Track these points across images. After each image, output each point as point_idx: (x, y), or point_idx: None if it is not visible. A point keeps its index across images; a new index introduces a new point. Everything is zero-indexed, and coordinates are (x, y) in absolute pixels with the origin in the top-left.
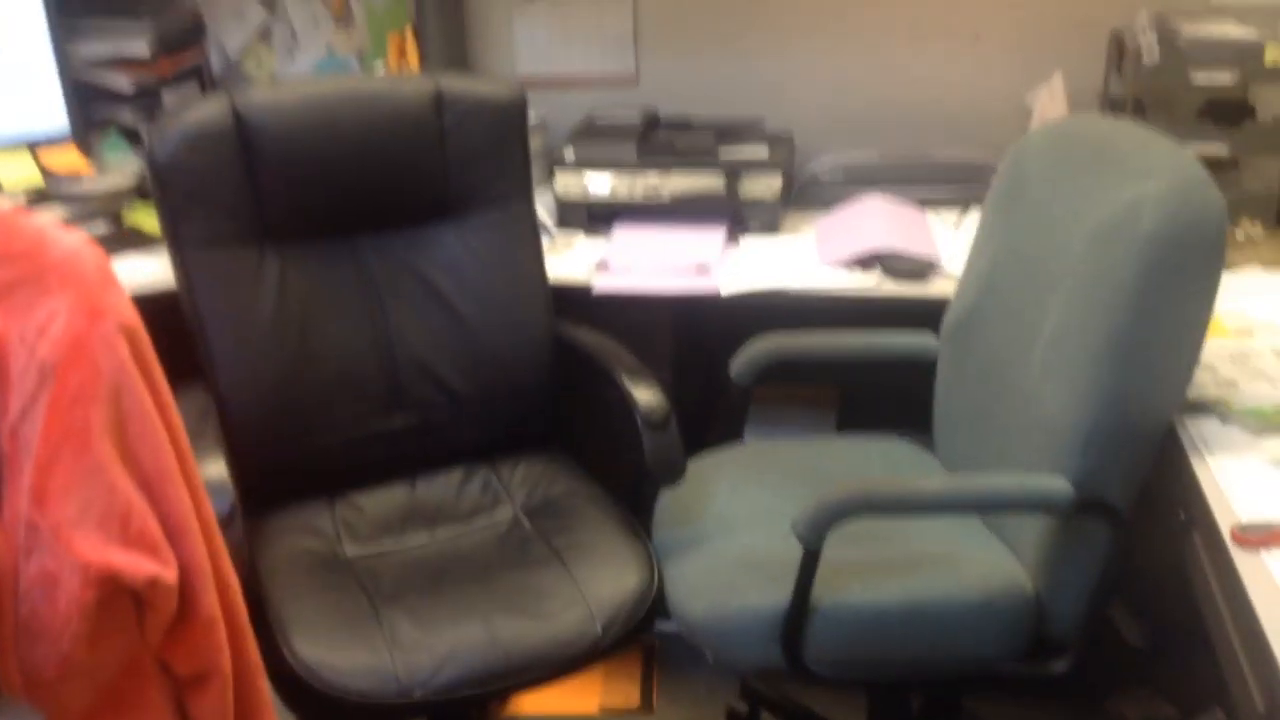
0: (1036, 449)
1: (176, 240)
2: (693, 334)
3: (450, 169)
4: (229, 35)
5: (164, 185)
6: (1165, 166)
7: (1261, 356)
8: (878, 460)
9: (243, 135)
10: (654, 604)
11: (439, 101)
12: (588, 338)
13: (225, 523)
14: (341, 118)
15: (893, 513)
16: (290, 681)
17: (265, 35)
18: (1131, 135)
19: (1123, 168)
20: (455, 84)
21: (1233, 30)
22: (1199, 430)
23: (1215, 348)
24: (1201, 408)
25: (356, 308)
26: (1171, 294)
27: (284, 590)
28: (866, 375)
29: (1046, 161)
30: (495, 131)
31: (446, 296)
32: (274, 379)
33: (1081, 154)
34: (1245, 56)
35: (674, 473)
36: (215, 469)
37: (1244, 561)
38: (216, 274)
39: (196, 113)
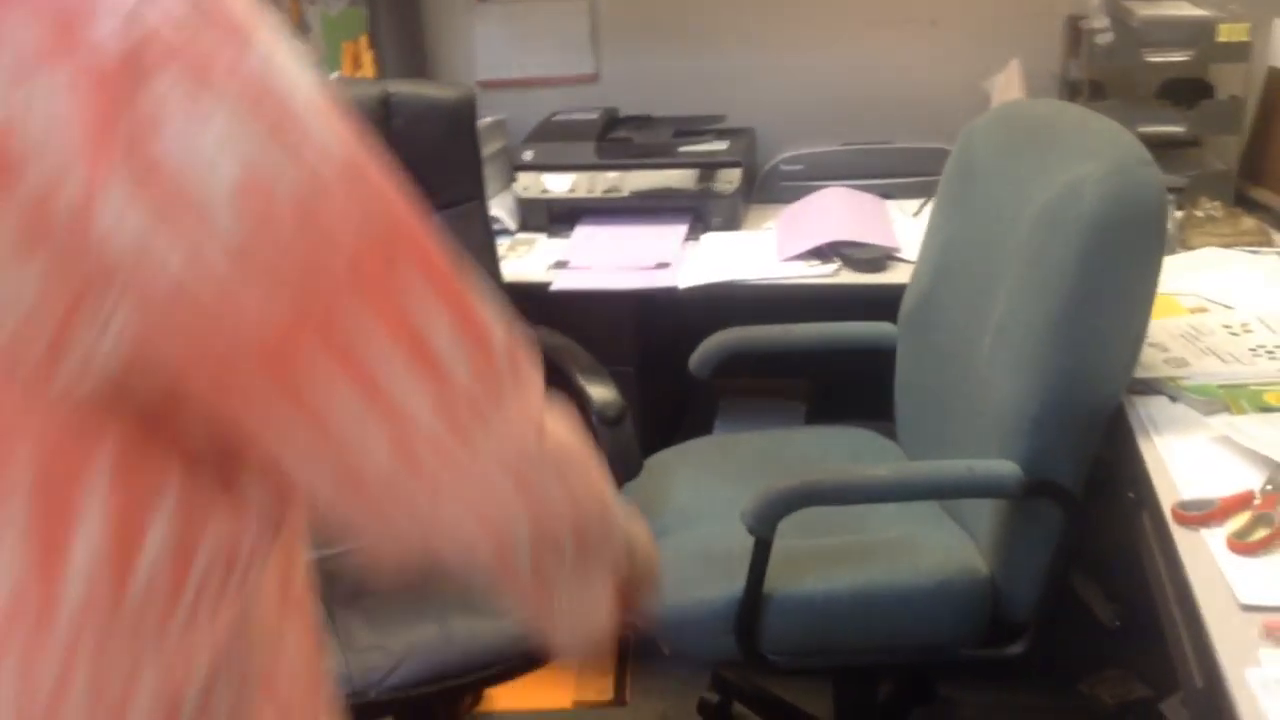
0: (988, 433)
1: None
2: (657, 330)
3: (400, 172)
4: None
5: None
6: (1105, 148)
7: (1214, 334)
8: (839, 450)
9: None
10: None
11: (386, 105)
12: (544, 337)
13: None
14: None
15: (840, 502)
16: None
17: None
18: (1073, 117)
19: (1064, 150)
20: (403, 87)
21: (1186, 10)
22: (1148, 409)
23: (1168, 326)
24: (1152, 387)
25: None
26: (1112, 274)
27: None
28: (838, 367)
29: (993, 146)
30: (445, 133)
31: None
32: None
33: (1026, 137)
34: (1198, 36)
35: (630, 469)
36: None
37: (1184, 539)
38: None
39: None
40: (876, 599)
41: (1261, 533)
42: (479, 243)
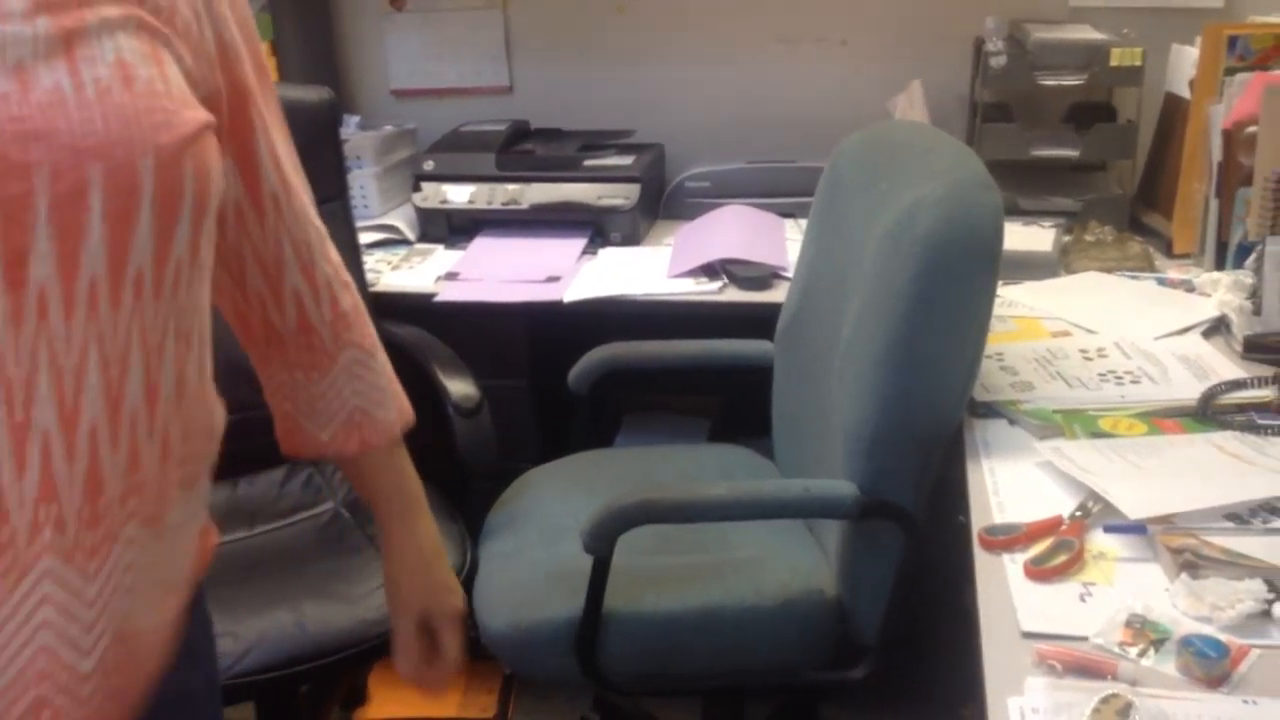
0: (835, 453)
1: None
2: (551, 345)
3: None
4: None
5: None
6: (945, 170)
7: (1067, 359)
8: (713, 468)
9: None
10: (466, 584)
11: None
12: (407, 335)
13: None
14: None
15: (677, 520)
16: None
17: None
18: (926, 140)
19: (912, 172)
20: None
21: (1083, 34)
22: (986, 432)
23: (1024, 350)
24: (994, 409)
25: None
26: (944, 296)
27: None
28: (743, 385)
29: (855, 166)
30: (306, 135)
31: None
32: None
33: (885, 159)
34: (1091, 60)
35: (484, 458)
36: None
37: (985, 563)
38: None
39: None
40: (718, 619)
41: (1060, 559)
42: (342, 242)
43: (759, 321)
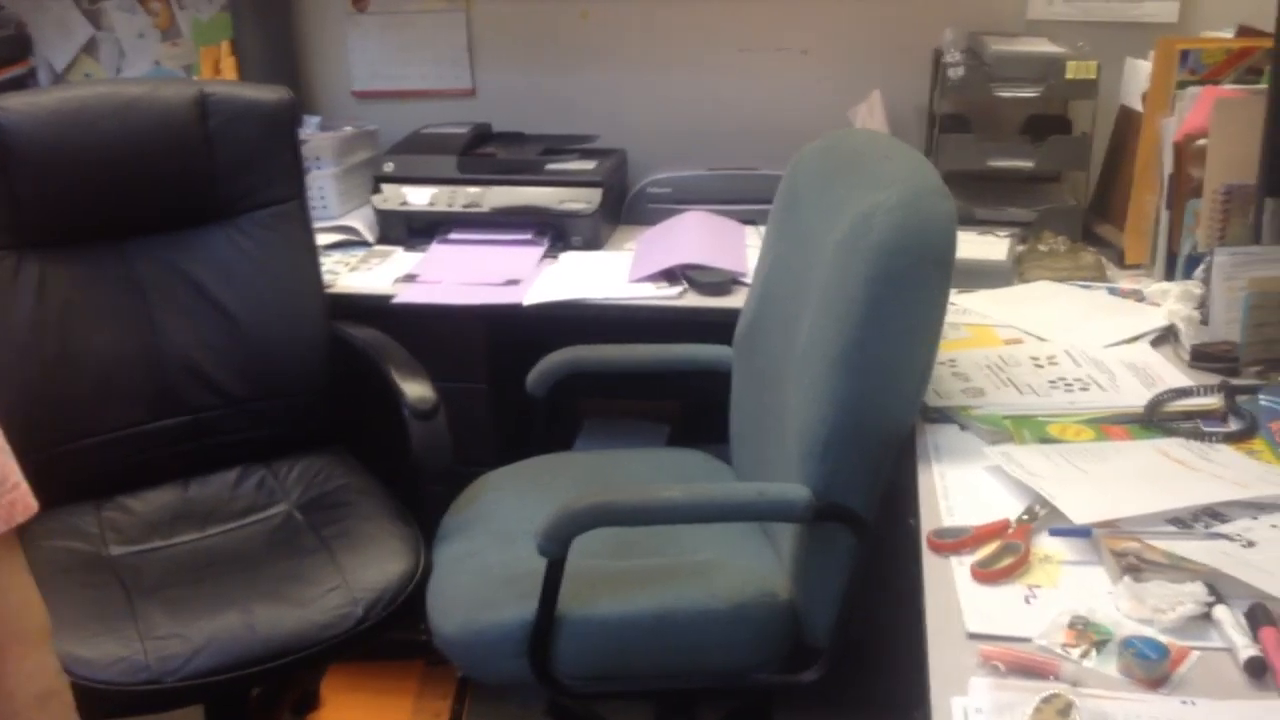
0: (790, 457)
1: None
2: (511, 348)
3: (218, 172)
4: (54, 49)
5: None
6: (900, 177)
7: (1019, 366)
8: (669, 471)
9: None
10: (420, 587)
11: (203, 105)
12: (364, 337)
13: None
14: (100, 123)
15: (631, 523)
16: None
17: (93, 49)
18: (882, 148)
19: (866, 179)
20: (219, 88)
21: (1040, 47)
22: (937, 437)
23: (977, 357)
24: (946, 415)
25: (123, 311)
26: (897, 302)
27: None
28: (703, 389)
29: (813, 174)
30: (263, 135)
31: (217, 298)
32: (30, 384)
33: (841, 166)
34: (1047, 72)
35: (440, 460)
36: None
37: (933, 565)
38: None
39: None
40: (671, 622)
41: (1006, 561)
42: (298, 242)
43: (719, 326)
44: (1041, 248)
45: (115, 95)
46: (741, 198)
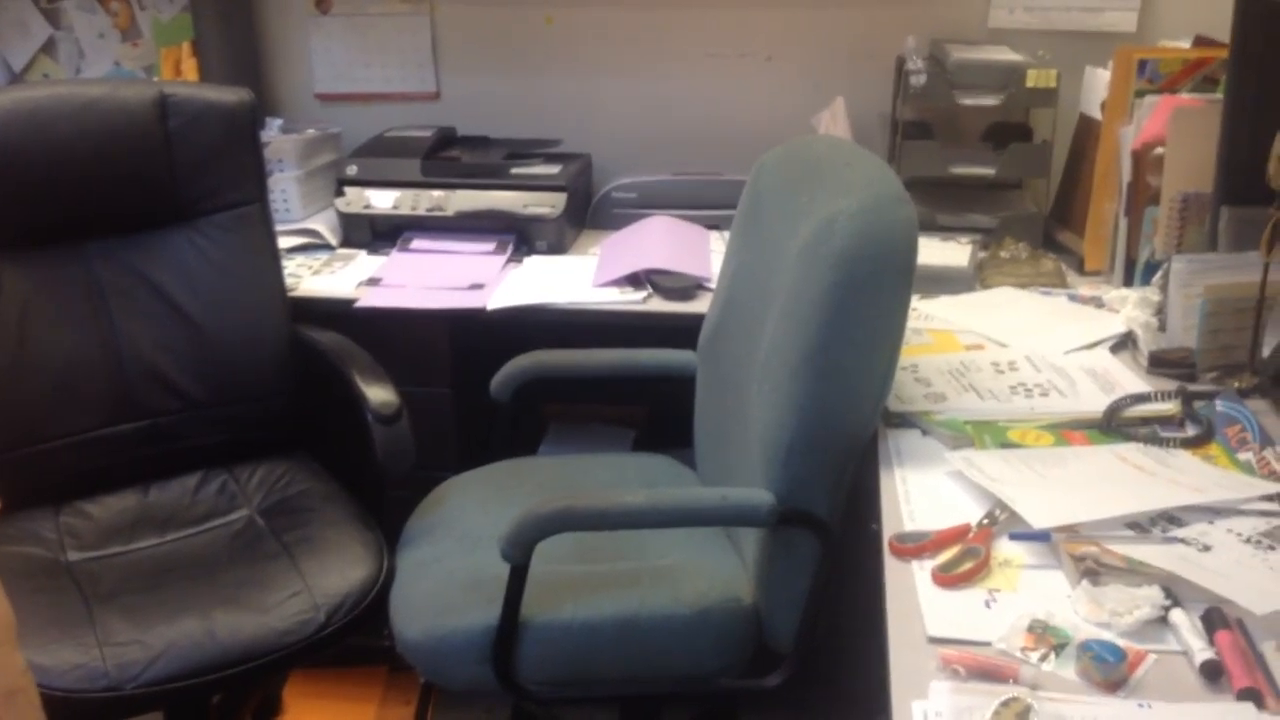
0: (753, 462)
1: None
2: (475, 352)
3: (178, 173)
4: (11, 48)
5: None
6: (862, 184)
7: (980, 371)
8: (633, 476)
9: None
10: (383, 593)
11: (162, 106)
12: (327, 341)
13: None
14: (59, 123)
15: (594, 527)
16: None
17: (52, 49)
18: (844, 154)
19: (829, 186)
20: (179, 89)
21: (1001, 55)
22: (899, 442)
23: (939, 362)
24: (907, 420)
25: (82, 314)
26: (860, 308)
27: None
28: (668, 394)
29: (776, 180)
30: (224, 136)
31: (177, 301)
32: None
33: (804, 172)
34: (1008, 80)
35: (403, 465)
36: None
37: (894, 570)
38: None
39: None
40: (635, 627)
41: (966, 565)
42: (260, 245)
43: (683, 331)
44: (1003, 254)
45: (74, 96)
46: (706, 203)
